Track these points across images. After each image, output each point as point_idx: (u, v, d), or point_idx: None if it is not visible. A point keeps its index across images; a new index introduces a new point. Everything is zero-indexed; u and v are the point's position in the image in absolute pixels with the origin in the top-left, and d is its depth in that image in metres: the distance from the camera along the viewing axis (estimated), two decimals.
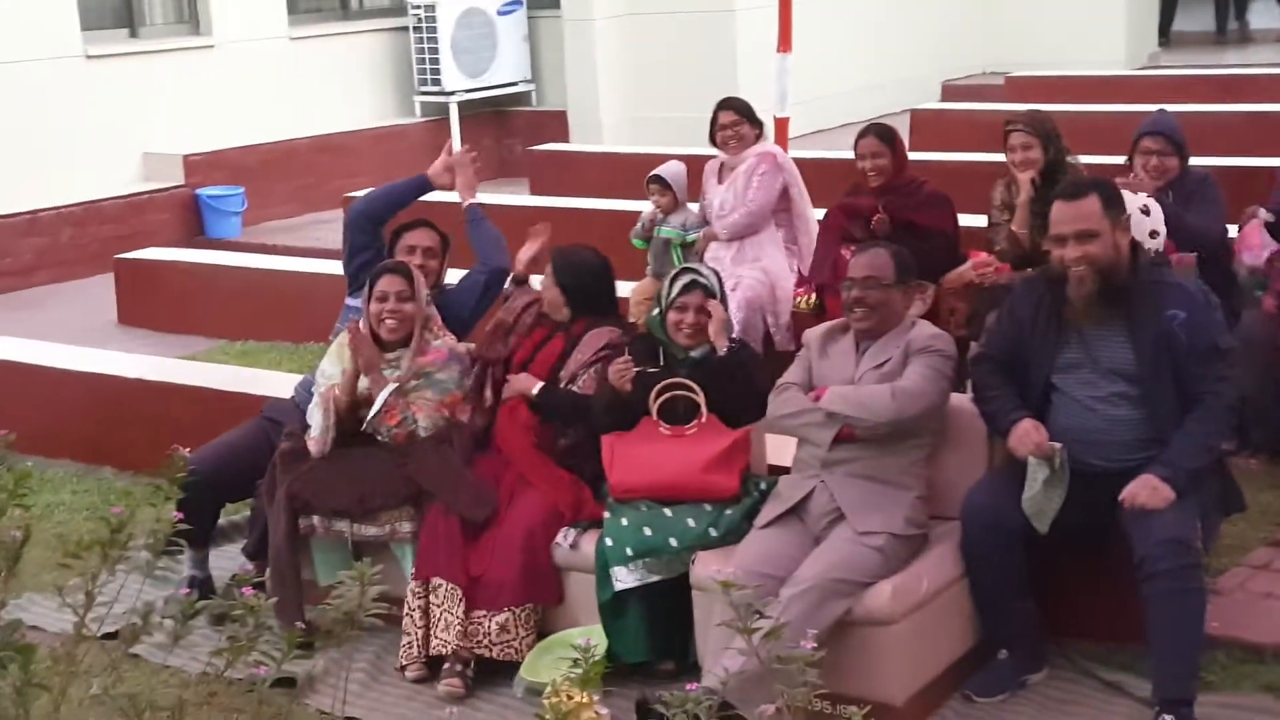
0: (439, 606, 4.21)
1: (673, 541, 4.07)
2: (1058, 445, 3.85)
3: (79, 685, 2.70)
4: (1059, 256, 3.94)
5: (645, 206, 6.71)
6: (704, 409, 4.23)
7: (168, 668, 4.14)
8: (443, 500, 4.31)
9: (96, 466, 6.15)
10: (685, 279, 4.37)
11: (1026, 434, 3.88)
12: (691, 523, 4.10)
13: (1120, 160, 5.86)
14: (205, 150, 11.02)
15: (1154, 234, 4.99)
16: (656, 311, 4.44)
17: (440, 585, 4.22)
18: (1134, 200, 5.08)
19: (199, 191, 10.74)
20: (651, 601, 4.08)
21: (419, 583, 4.26)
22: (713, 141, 6.54)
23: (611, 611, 4.11)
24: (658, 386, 4.26)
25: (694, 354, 4.33)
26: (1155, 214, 5.06)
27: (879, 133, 6.05)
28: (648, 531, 4.09)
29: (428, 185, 5.27)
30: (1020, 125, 5.79)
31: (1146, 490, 3.72)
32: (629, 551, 4.07)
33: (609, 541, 4.11)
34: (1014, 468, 3.93)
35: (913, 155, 6.57)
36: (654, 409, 4.26)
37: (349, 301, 5.10)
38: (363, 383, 4.51)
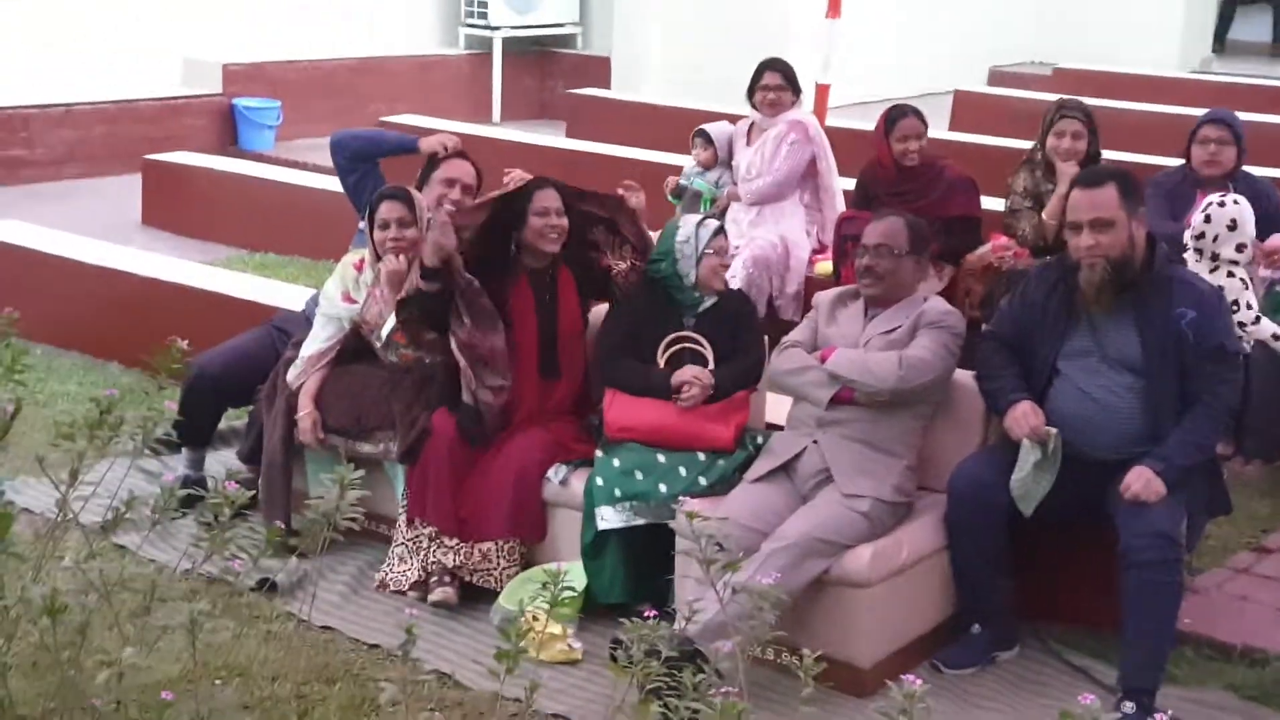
0: (431, 540, 4.24)
1: (662, 487, 4.08)
2: (1053, 430, 3.86)
3: (56, 564, 2.73)
4: (1074, 244, 3.93)
5: (680, 160, 6.70)
6: (711, 363, 4.23)
7: (152, 561, 4.18)
8: (400, 431, 4.34)
9: (105, 361, 6.20)
10: (714, 226, 4.38)
11: (1024, 415, 3.89)
12: (683, 471, 4.12)
13: (1166, 161, 5.75)
14: (246, 61, 11.01)
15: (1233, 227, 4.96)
16: (664, 263, 4.39)
17: (430, 528, 4.25)
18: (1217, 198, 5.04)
19: (236, 101, 10.73)
20: (632, 544, 4.09)
21: (409, 521, 4.29)
22: (750, 99, 6.50)
23: (592, 551, 4.13)
24: (667, 339, 4.27)
25: (705, 304, 4.31)
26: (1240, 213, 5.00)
27: (919, 114, 6.01)
28: (638, 475, 4.10)
29: (413, 150, 5.14)
30: (1076, 113, 5.67)
31: (1141, 481, 3.73)
32: (617, 493, 4.08)
33: (599, 481, 4.12)
34: (1007, 447, 3.93)
35: (952, 136, 6.55)
36: (661, 361, 4.27)
37: (362, 226, 5.08)
38: (374, 310, 4.51)
